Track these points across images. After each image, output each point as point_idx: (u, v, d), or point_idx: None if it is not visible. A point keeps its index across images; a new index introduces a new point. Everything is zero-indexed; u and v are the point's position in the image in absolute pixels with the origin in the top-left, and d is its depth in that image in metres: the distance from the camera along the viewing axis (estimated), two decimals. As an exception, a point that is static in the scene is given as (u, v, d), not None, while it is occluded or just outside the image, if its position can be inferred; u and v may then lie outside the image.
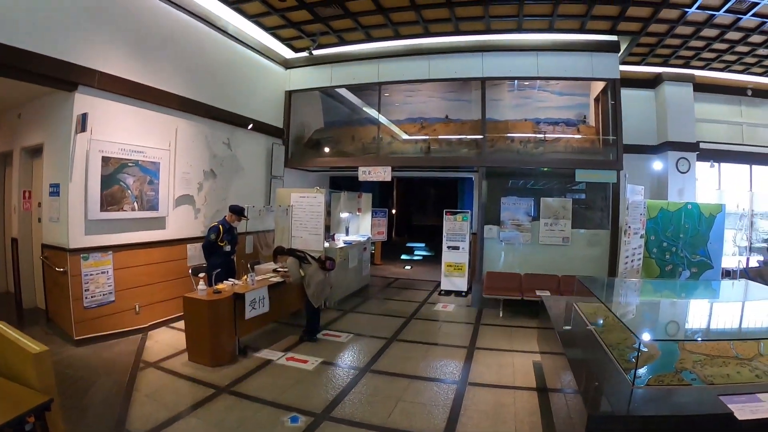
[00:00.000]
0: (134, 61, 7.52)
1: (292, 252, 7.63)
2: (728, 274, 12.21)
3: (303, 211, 9.61)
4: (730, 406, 3.32)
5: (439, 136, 11.79)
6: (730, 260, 12.47)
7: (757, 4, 8.62)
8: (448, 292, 11.30)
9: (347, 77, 11.56)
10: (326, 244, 9.89)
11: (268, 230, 10.55)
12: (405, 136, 12.21)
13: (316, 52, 11.32)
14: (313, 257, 7.67)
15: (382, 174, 10.86)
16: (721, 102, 13.36)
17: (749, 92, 13.36)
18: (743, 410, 3.25)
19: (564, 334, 5.19)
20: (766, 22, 9.42)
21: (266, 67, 11.29)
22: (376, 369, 6.46)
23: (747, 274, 12.42)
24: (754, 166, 13.72)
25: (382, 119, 12.09)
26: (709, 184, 13.34)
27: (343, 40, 10.92)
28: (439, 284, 11.67)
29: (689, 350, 4.54)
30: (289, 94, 11.94)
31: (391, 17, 9.68)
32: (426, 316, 9.56)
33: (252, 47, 10.58)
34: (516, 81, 11.68)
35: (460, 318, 9.40)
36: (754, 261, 13.10)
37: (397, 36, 10.61)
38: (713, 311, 6.62)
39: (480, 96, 10.77)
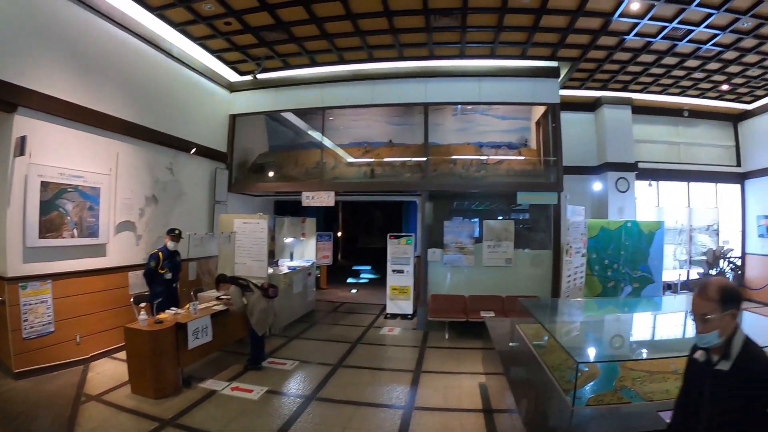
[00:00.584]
0: (76, 82, 7.55)
1: (234, 280, 7.68)
2: (669, 287, 12.98)
3: (246, 237, 9.67)
4: (668, 421, 3.38)
5: (384, 159, 12.16)
6: (671, 274, 13.25)
7: (692, 30, 9.37)
8: (393, 316, 11.53)
9: (292, 101, 11.86)
10: (270, 270, 10.01)
11: (211, 257, 10.56)
12: (350, 159, 12.47)
13: (260, 76, 11.55)
14: (255, 285, 7.74)
15: (325, 199, 11.06)
16: (659, 123, 14.30)
17: (686, 113, 14.33)
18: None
19: (506, 355, 5.40)
20: (701, 48, 10.20)
21: (211, 90, 11.41)
22: (322, 396, 6.52)
23: (688, 286, 13.24)
24: (691, 183, 14.67)
25: (327, 143, 12.34)
26: (649, 202, 14.13)
27: (288, 64, 11.21)
28: (385, 307, 11.87)
29: (629, 368, 4.75)
30: (234, 118, 12.06)
31: (335, 43, 10.06)
32: (372, 340, 9.74)
33: (196, 70, 10.70)
34: (459, 106, 12.21)
35: (406, 341, 9.64)
36: (695, 273, 13.96)
37: (342, 61, 10.97)
38: (652, 328, 7.01)
39: (423, 120, 11.20)
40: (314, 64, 11.19)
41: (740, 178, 15.04)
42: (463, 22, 9.12)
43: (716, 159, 14.90)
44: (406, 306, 11.54)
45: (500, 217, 11.91)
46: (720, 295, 2.45)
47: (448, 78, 10.99)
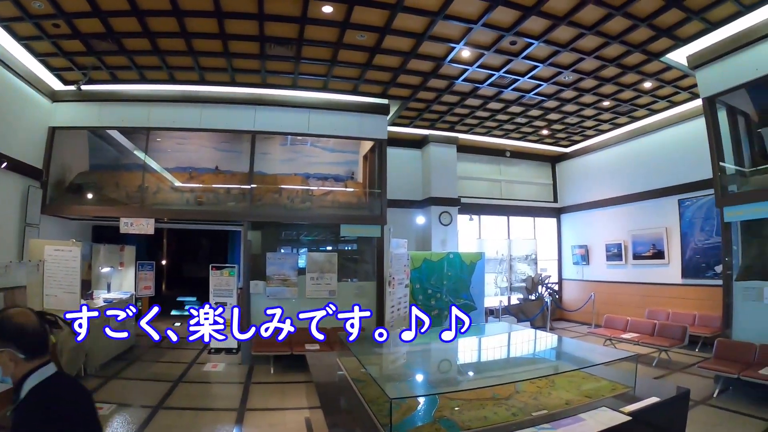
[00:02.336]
0: None
1: (41, 315, 7.25)
2: (492, 312, 14.28)
3: (57, 266, 9.14)
4: None
5: (209, 186, 11.98)
6: (492, 300, 14.59)
7: (517, 80, 10.59)
8: (218, 351, 11.34)
9: (117, 118, 11.39)
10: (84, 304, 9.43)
11: (19, 287, 9.32)
12: (177, 183, 12.15)
13: (86, 88, 11.00)
14: (64, 320, 7.40)
15: (144, 226, 10.71)
16: (483, 162, 15.87)
17: (508, 154, 16.01)
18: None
19: (325, 391, 5.48)
20: (524, 96, 11.50)
21: (30, 98, 10.56)
22: (141, 444, 6.13)
23: (509, 311, 14.63)
24: (511, 217, 16.35)
25: (152, 165, 12.01)
26: (470, 234, 15.47)
27: (116, 77, 10.88)
28: (209, 342, 11.48)
29: (448, 397, 4.86)
30: (53, 131, 11.27)
31: (167, 60, 9.98)
32: (195, 378, 9.44)
33: (16, 72, 9.87)
34: (289, 136, 12.46)
35: (231, 378, 9.49)
36: (515, 299, 15.49)
37: (173, 80, 10.89)
38: (473, 355, 7.39)
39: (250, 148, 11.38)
40: (144, 80, 10.96)
41: (557, 213, 17.12)
42: (298, 53, 9.49)
43: (535, 195, 16.86)
44: (231, 341, 11.22)
45: (329, 248, 12.34)
46: None
47: (278, 107, 11.25)
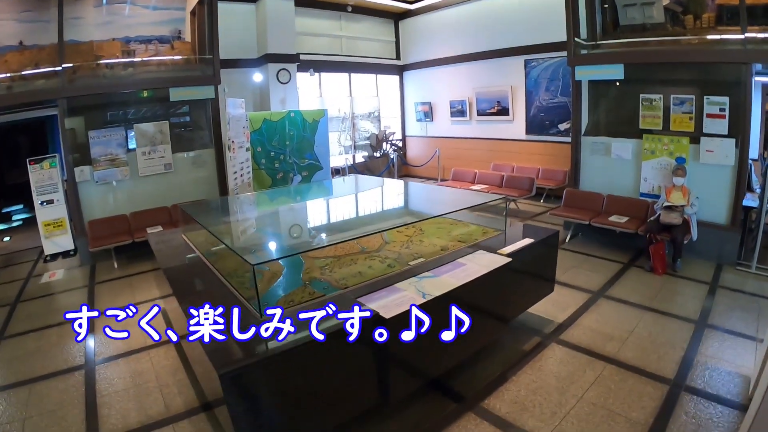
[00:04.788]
0: None
1: None
2: (338, 171, 14.54)
3: None
4: (372, 306, 3.39)
5: (17, 68, 9.71)
6: (338, 159, 14.85)
7: None
8: (54, 256, 10.05)
9: None
10: None
11: None
12: None
13: None
14: None
15: None
16: (323, 17, 15.14)
17: (349, 9, 15.42)
18: (387, 307, 3.39)
19: (173, 272, 4.95)
20: None
21: None
22: (-14, 385, 5.44)
23: (355, 169, 15.01)
24: (352, 74, 16.06)
25: None
26: (311, 92, 15.13)
27: None
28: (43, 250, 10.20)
29: (313, 257, 4.57)
30: None
31: None
32: (33, 294, 8.26)
33: None
34: None
35: (72, 284, 8.52)
36: (360, 157, 15.83)
37: None
38: (330, 211, 7.29)
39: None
40: None
41: (399, 70, 17.06)
42: None
43: (378, 53, 16.54)
44: (66, 241, 10.15)
45: (156, 120, 10.84)
46: None
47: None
